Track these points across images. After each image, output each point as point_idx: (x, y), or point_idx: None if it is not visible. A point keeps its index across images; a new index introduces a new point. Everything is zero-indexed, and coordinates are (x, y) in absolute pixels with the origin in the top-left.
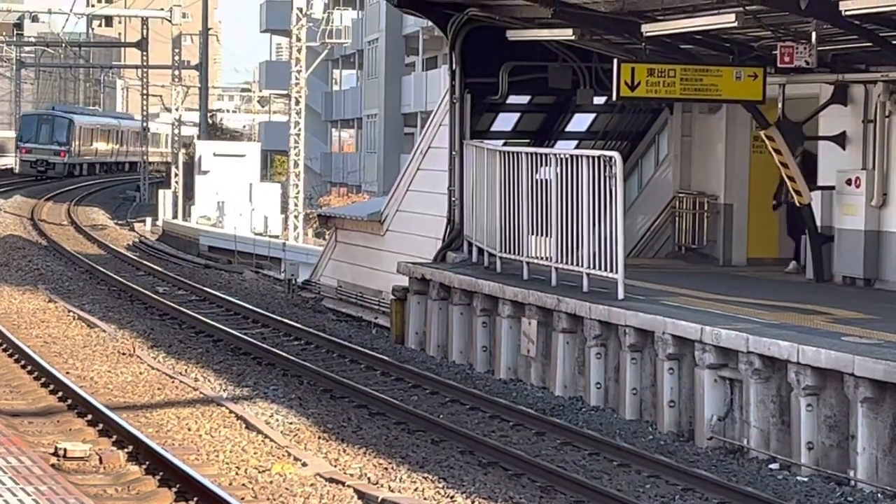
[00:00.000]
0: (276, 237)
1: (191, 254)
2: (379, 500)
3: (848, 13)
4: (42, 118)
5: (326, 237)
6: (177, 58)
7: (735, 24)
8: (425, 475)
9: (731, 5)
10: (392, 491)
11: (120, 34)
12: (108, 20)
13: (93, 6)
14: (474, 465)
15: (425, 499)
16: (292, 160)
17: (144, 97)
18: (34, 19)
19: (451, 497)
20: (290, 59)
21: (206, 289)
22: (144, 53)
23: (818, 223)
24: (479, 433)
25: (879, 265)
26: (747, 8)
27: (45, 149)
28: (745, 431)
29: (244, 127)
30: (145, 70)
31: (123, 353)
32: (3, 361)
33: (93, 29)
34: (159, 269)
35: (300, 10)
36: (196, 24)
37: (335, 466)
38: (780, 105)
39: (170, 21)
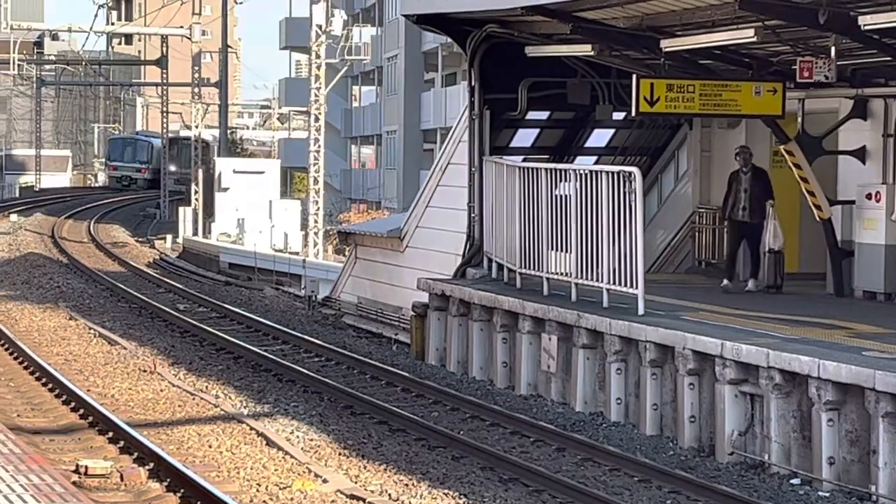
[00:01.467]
0: (296, 254)
1: (211, 271)
2: None
3: (867, 27)
4: (126, 141)
5: (346, 254)
6: (196, 75)
7: (754, 39)
8: (446, 491)
9: (750, 20)
10: None
11: (140, 52)
12: (128, 38)
13: (113, 24)
14: (495, 481)
15: None
16: (312, 177)
17: (164, 115)
18: (54, 38)
19: None
20: (309, 75)
21: (226, 306)
22: (164, 71)
23: (838, 238)
24: (499, 449)
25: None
26: (766, 23)
27: (129, 167)
28: (766, 446)
29: (264, 144)
30: (165, 88)
31: (144, 371)
32: (25, 379)
33: (112, 47)
34: (180, 286)
35: (319, 27)
36: (216, 41)
37: (356, 483)
38: (799, 120)
39: (189, 39)
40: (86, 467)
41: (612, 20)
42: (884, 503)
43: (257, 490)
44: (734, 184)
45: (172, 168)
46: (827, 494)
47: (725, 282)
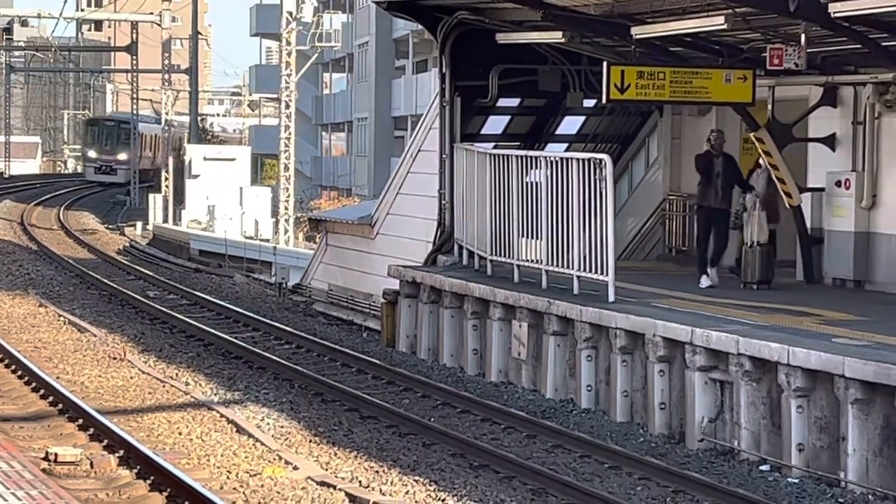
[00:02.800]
0: (267, 241)
1: (181, 258)
2: (370, 503)
3: (837, 15)
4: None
5: (317, 241)
6: (166, 62)
7: (724, 27)
8: (416, 478)
9: (721, 8)
10: (383, 494)
11: (109, 38)
12: (98, 24)
13: (82, 11)
14: (465, 467)
15: (416, 502)
16: (282, 164)
17: (134, 101)
18: (24, 24)
19: (443, 500)
20: (279, 62)
21: (196, 293)
22: (134, 58)
23: (808, 225)
24: (470, 436)
25: (869, 267)
26: (736, 10)
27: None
28: (735, 433)
29: (234, 131)
30: (135, 74)
31: (114, 358)
32: None
33: (82, 33)
34: (150, 273)
35: (290, 13)
36: (186, 28)
37: (326, 470)
38: (769, 107)
39: (159, 25)
40: (55, 454)
41: (583, 7)
42: (852, 489)
43: (227, 477)
44: (707, 168)
45: (92, 154)
46: (796, 481)
47: (704, 279)
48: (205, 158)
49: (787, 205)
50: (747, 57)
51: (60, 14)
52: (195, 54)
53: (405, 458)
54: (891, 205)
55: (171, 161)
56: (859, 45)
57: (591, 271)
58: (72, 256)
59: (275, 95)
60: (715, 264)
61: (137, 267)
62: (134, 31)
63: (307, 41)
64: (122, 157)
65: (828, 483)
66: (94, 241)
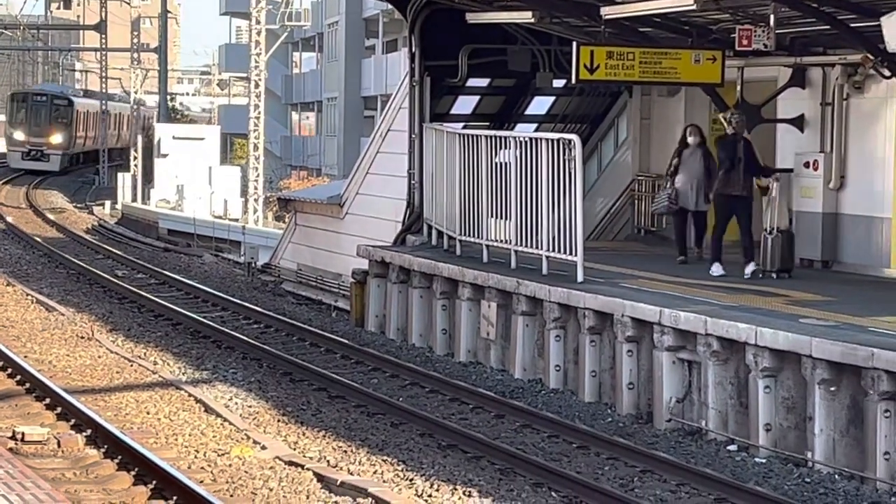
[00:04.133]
0: (236, 220)
1: (150, 237)
2: (338, 482)
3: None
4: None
5: (286, 220)
6: (136, 41)
7: (693, 7)
8: (385, 458)
9: None
10: (351, 474)
11: (79, 17)
12: (67, 2)
13: None
14: (434, 447)
15: (384, 481)
16: (252, 143)
17: (103, 80)
18: None
19: (411, 479)
20: (249, 41)
21: (165, 272)
22: (103, 36)
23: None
24: (438, 416)
25: (837, 247)
26: None
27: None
28: (703, 413)
29: (202, 110)
30: (104, 53)
31: (82, 337)
32: None
33: (51, 11)
34: (118, 252)
35: None
36: (155, 6)
37: (294, 450)
38: (738, 88)
39: (128, 4)
40: (22, 433)
41: None
42: (819, 469)
43: (195, 456)
44: (731, 153)
45: (18, 135)
46: (763, 461)
47: (717, 267)
48: (174, 137)
49: (755, 185)
50: (716, 38)
51: None
52: (164, 33)
53: (373, 437)
54: (858, 186)
55: (139, 140)
56: (828, 27)
57: (560, 252)
58: (40, 235)
59: (244, 75)
60: (752, 257)
61: (106, 246)
62: (103, 9)
63: (277, 20)
64: (57, 139)
65: (795, 463)
66: (62, 220)
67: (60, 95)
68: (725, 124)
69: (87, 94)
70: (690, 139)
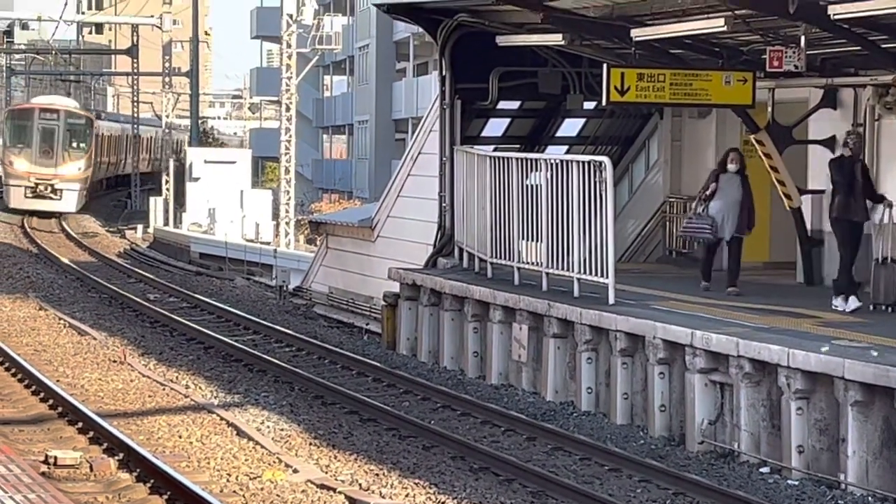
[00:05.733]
0: (268, 244)
1: (182, 261)
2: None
3: (837, 17)
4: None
5: (317, 244)
6: (167, 65)
7: (724, 29)
8: (416, 481)
9: (721, 10)
10: (383, 497)
11: (110, 41)
12: (99, 27)
13: (83, 13)
14: (465, 470)
15: (412, 500)
16: (283, 167)
17: (135, 104)
18: (24, 27)
19: (442, 502)
20: (280, 65)
21: (197, 296)
22: (135, 61)
23: (808, 227)
24: (470, 439)
25: (868, 268)
26: (736, 12)
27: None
28: (735, 435)
29: (233, 134)
30: (136, 77)
31: (114, 361)
32: None
33: (83, 36)
34: (150, 276)
35: (290, 16)
36: (186, 30)
37: (326, 473)
38: (769, 109)
39: (160, 28)
40: (55, 458)
41: (583, 9)
42: (852, 491)
43: (227, 480)
44: (849, 176)
45: (21, 166)
46: (796, 483)
47: (854, 301)
48: (205, 161)
49: (787, 207)
50: (747, 59)
51: (61, 17)
52: (196, 57)
53: (405, 460)
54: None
55: (171, 164)
56: (859, 48)
57: (591, 274)
58: (72, 259)
59: (275, 98)
60: (855, 290)
61: (138, 270)
62: (134, 34)
63: (307, 44)
64: (72, 169)
65: (828, 485)
66: (94, 245)
67: (76, 112)
68: (842, 146)
69: (109, 116)
70: (731, 165)
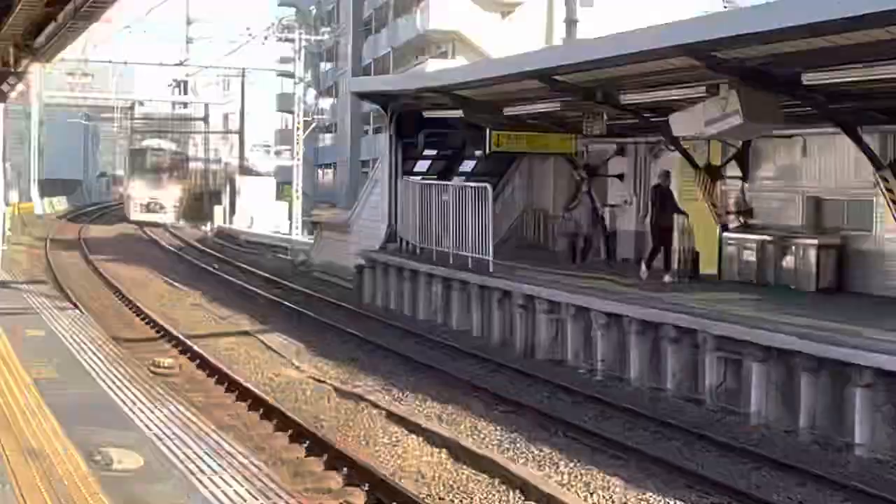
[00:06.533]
0: (286, 234)
1: (234, 244)
2: (349, 390)
3: (625, 102)
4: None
5: (315, 234)
6: (226, 125)
7: (559, 109)
8: (375, 377)
9: (556, 98)
10: (355, 387)
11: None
12: (185, 104)
13: (176, 89)
14: (407, 368)
15: (375, 391)
16: (294, 189)
17: (206, 150)
18: (141, 104)
19: (389, 389)
20: (293, 127)
21: (243, 265)
22: (206, 125)
23: (608, 226)
24: (409, 351)
25: (643, 250)
26: (565, 100)
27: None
28: (565, 350)
29: (265, 172)
30: (207, 134)
31: (194, 304)
32: (124, 311)
33: (175, 109)
34: (215, 253)
35: (299, 98)
36: (237, 104)
37: (320, 371)
38: (585, 156)
39: (221, 104)
40: (159, 362)
41: (475, 96)
42: (634, 384)
43: (260, 375)
44: (658, 198)
45: (137, 188)
46: (601, 378)
47: (667, 276)
48: (248, 184)
49: (598, 215)
50: (571, 125)
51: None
52: (242, 121)
53: (368, 362)
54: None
55: (228, 186)
56: (638, 121)
57: (479, 253)
58: (169, 243)
59: (289, 147)
60: (669, 267)
61: (208, 250)
62: (206, 107)
63: (310, 114)
64: (174, 192)
65: (618, 378)
66: (181, 234)
67: (176, 151)
68: (659, 180)
69: (192, 157)
70: (584, 186)
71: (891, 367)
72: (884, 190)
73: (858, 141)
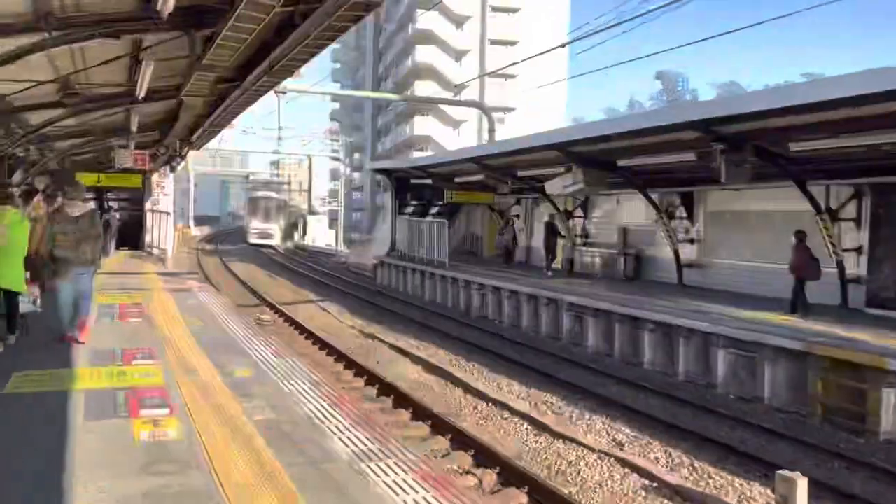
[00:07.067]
0: (334, 247)
1: (306, 253)
2: (368, 332)
3: (521, 175)
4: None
5: (350, 247)
6: (300, 187)
7: (484, 178)
8: (382, 325)
9: (483, 172)
10: (372, 330)
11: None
12: (278, 175)
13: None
14: (400, 320)
15: (381, 331)
16: (340, 222)
17: (289, 198)
18: (253, 174)
19: (390, 330)
20: (340, 189)
21: (310, 264)
22: (289, 185)
23: (518, 243)
24: (400, 311)
25: (532, 256)
26: (487, 174)
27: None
28: (487, 311)
29: (323, 212)
30: (289, 187)
31: (282, 286)
32: (243, 289)
33: (271, 177)
34: (293, 257)
35: (342, 172)
36: (306, 174)
37: (353, 323)
38: (499, 205)
39: (297, 169)
40: (261, 318)
41: (438, 171)
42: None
43: (319, 324)
44: (548, 229)
45: (255, 224)
46: (507, 326)
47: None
48: (312, 220)
49: (515, 237)
50: (491, 187)
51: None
52: (310, 185)
53: (381, 320)
54: (536, 239)
55: (302, 221)
56: (528, 187)
57: (440, 258)
58: (268, 252)
59: (336, 199)
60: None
61: (292, 256)
62: (289, 176)
63: (348, 181)
64: (279, 224)
65: (516, 326)
66: (277, 248)
67: (278, 198)
68: (549, 218)
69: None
70: (511, 223)
71: (660, 320)
72: (662, 225)
73: (647, 197)
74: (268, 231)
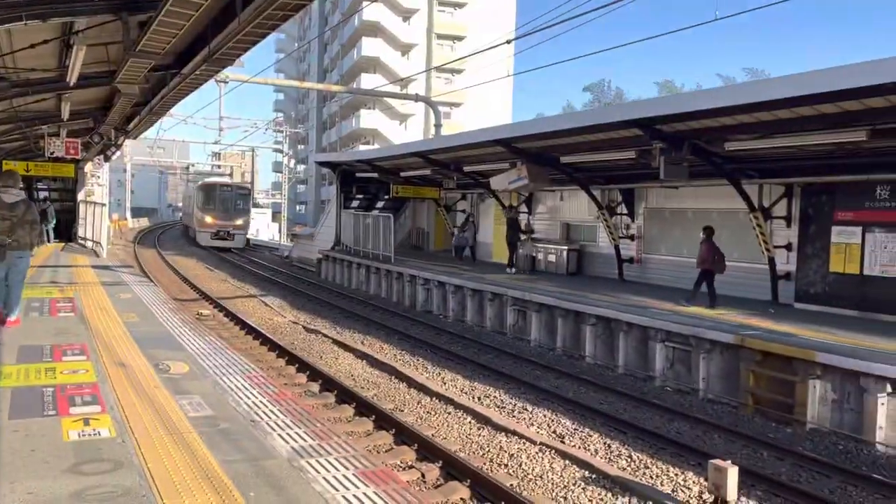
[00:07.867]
0: (277, 241)
1: (248, 246)
2: (311, 327)
3: (467, 170)
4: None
5: (293, 240)
6: (242, 180)
7: (430, 173)
8: (325, 320)
9: (429, 167)
10: (318, 328)
11: (222, 167)
12: (220, 166)
13: (212, 155)
14: (354, 320)
15: (324, 326)
16: (283, 215)
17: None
18: (193, 165)
19: (334, 325)
20: (283, 181)
21: (252, 258)
22: (232, 178)
23: (478, 239)
24: (344, 306)
25: (481, 255)
26: (433, 168)
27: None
28: (432, 305)
29: (264, 206)
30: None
31: (222, 280)
32: (181, 284)
33: (212, 169)
34: (234, 251)
35: (285, 164)
36: (249, 166)
37: (296, 318)
38: (445, 200)
39: (241, 167)
40: (201, 313)
41: (384, 165)
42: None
43: (261, 320)
44: (510, 224)
45: (208, 219)
46: (450, 321)
47: (511, 270)
48: (255, 212)
49: (475, 234)
50: (437, 182)
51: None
52: (253, 177)
53: (328, 314)
54: (486, 234)
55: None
56: (474, 182)
57: (386, 252)
58: (212, 246)
59: (280, 192)
60: (512, 264)
61: (232, 251)
62: (231, 168)
63: (292, 173)
64: (239, 222)
65: (461, 320)
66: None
67: (241, 185)
68: (510, 214)
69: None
70: (468, 221)
71: (601, 314)
72: (603, 221)
73: (590, 193)
74: (228, 229)
